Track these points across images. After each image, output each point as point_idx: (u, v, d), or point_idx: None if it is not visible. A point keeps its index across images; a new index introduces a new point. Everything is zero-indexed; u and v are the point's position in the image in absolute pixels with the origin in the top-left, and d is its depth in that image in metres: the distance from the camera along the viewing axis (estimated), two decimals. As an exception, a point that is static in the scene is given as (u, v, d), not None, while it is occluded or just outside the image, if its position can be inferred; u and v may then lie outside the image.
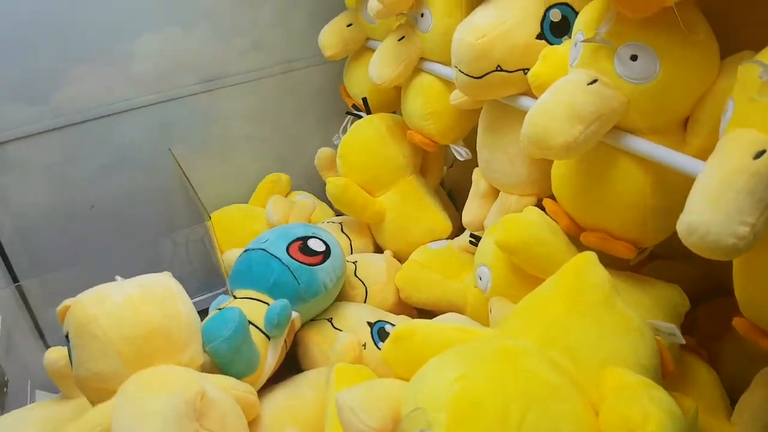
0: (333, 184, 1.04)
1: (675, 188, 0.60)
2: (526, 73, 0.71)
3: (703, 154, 0.54)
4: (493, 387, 0.46)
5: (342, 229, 1.13)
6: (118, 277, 0.70)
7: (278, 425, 0.72)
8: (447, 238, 1.06)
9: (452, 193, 1.25)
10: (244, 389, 0.70)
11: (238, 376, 0.72)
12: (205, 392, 0.60)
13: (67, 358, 0.73)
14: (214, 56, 1.20)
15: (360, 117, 1.13)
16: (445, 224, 1.07)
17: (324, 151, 1.27)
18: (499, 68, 0.71)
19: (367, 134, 1.08)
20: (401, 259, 1.03)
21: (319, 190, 1.34)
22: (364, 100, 1.14)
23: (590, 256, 0.55)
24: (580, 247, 0.69)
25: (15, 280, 1.12)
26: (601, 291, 0.53)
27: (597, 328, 0.52)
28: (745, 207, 0.43)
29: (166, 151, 1.20)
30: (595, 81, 0.57)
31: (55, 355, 0.75)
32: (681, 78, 0.55)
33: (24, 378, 1.08)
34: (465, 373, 0.46)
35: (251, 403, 0.70)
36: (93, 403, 0.64)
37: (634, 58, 0.55)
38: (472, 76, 0.73)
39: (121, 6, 1.08)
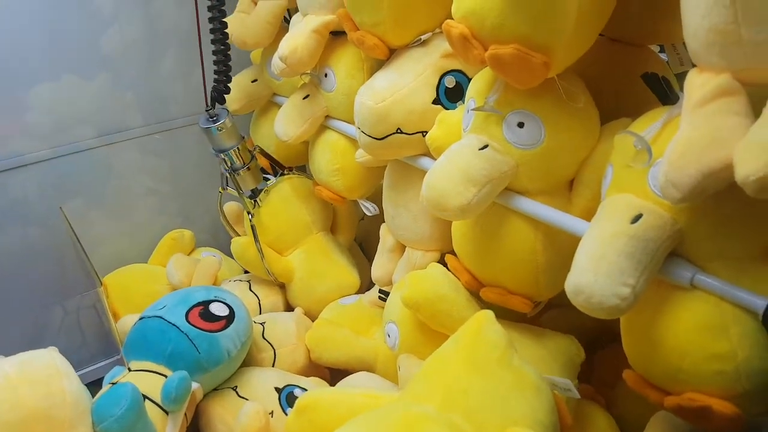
0: (237, 243, 1.02)
1: (564, 246, 0.63)
2: (424, 136, 0.73)
3: (588, 214, 0.58)
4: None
5: (250, 287, 1.10)
6: (-5, 355, 0.64)
7: None
8: (358, 293, 1.06)
9: (363, 246, 1.25)
10: (139, 473, 0.65)
11: (133, 458, 0.66)
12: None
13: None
14: (112, 108, 1.16)
15: (267, 179, 1.12)
16: (353, 280, 1.07)
17: (230, 206, 1.24)
18: (399, 131, 0.73)
19: (273, 197, 1.08)
20: (312, 316, 1.01)
21: (225, 246, 1.30)
22: (271, 161, 1.13)
23: (487, 315, 0.57)
24: (481, 302, 0.71)
25: None
26: (498, 349, 0.54)
27: (495, 388, 0.53)
28: (625, 269, 0.46)
29: (57, 207, 1.13)
30: (486, 146, 0.60)
31: None
32: (564, 144, 0.59)
33: None
34: (368, 445, 0.45)
35: (146, 488, 0.65)
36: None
37: (521, 125, 0.59)
38: (374, 137, 0.75)
39: (17, 52, 1.02)
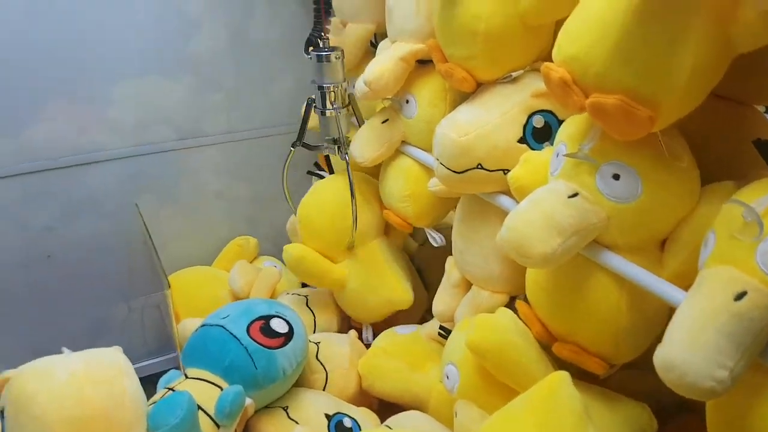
0: (288, 253, 1.00)
1: (650, 309, 0.60)
2: (506, 174, 0.71)
3: (680, 278, 0.54)
4: None
5: (307, 302, 1.10)
6: (65, 349, 0.66)
7: None
8: (409, 312, 1.03)
9: (421, 272, 1.23)
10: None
11: (182, 468, 0.66)
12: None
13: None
14: (193, 110, 1.19)
15: (321, 177, 1.11)
16: (407, 297, 1.02)
17: (296, 218, 1.25)
18: (479, 166, 0.72)
19: (326, 197, 1.04)
20: (362, 322, 0.99)
21: (287, 258, 1.32)
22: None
23: (563, 377, 0.54)
24: (552, 356, 0.67)
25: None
26: (573, 415, 0.51)
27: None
28: (724, 349, 0.43)
29: (132, 203, 1.17)
30: (575, 194, 0.57)
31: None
32: (662, 201, 0.55)
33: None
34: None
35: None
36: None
37: (616, 177, 0.55)
38: (452, 170, 0.73)
39: (106, 47, 1.06)
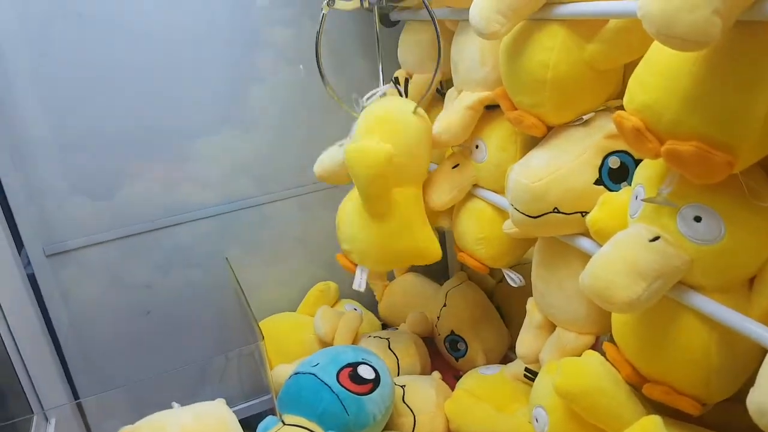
0: (374, 151, 0.87)
1: (741, 349, 0.58)
2: (583, 216, 0.72)
3: (770, 318, 0.53)
4: None
5: (389, 345, 1.12)
6: (174, 404, 0.71)
7: None
8: (498, 362, 1.03)
9: (501, 310, 1.23)
10: None
11: None
12: None
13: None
14: (271, 162, 1.25)
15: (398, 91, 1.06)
16: (437, 251, 0.97)
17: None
18: (556, 210, 0.73)
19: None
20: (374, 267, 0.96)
21: (365, 299, 1.35)
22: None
23: (656, 422, 0.54)
24: (641, 397, 0.66)
25: (72, 388, 1.13)
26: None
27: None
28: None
29: (222, 256, 1.24)
30: (657, 238, 0.58)
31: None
32: (746, 242, 0.54)
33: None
34: None
35: None
36: None
37: (698, 219, 0.55)
38: (528, 215, 0.74)
39: (185, 108, 1.13)
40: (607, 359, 0.68)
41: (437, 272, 1.41)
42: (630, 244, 0.58)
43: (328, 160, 1.00)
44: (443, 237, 1.33)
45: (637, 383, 0.66)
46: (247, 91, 1.19)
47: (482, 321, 1.17)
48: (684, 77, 0.51)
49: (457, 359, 1.18)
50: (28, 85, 1.00)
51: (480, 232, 0.96)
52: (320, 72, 0.99)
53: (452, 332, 1.17)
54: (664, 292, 0.58)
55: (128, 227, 1.15)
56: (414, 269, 1.41)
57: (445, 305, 1.18)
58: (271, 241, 1.30)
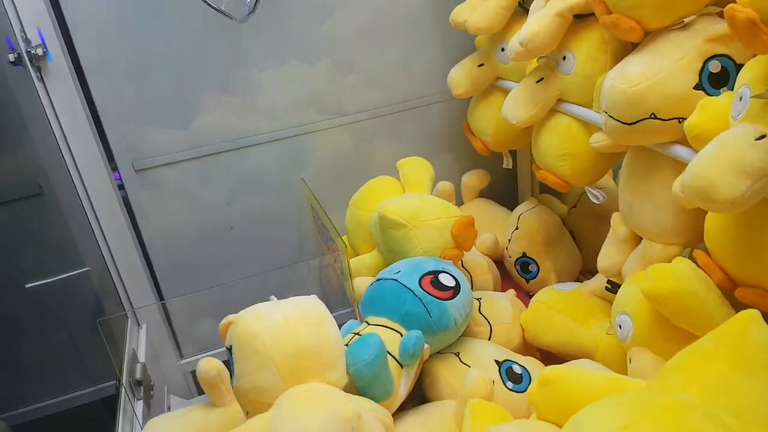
0: None
1: None
2: (681, 122, 0.70)
3: None
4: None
5: (462, 264, 1.15)
6: (272, 297, 0.76)
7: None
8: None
9: (573, 235, 1.23)
10: (383, 413, 0.73)
11: (375, 400, 0.75)
12: (360, 413, 0.63)
13: (218, 368, 0.80)
14: (333, 92, 1.26)
15: None
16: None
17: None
18: (653, 116, 0.71)
19: None
20: None
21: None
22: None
23: (754, 315, 0.54)
24: (733, 303, 0.67)
25: (160, 294, 1.22)
26: (766, 351, 0.51)
27: (764, 390, 0.50)
28: None
29: (295, 178, 1.28)
30: (763, 136, 0.56)
31: (208, 365, 0.81)
32: None
33: (161, 383, 1.18)
34: (630, 423, 0.46)
35: (389, 428, 0.73)
36: (248, 414, 0.69)
37: (810, 115, 0.54)
38: (623, 122, 0.73)
39: (248, 40, 1.16)
40: (698, 266, 0.68)
41: (506, 197, 1.42)
42: (735, 143, 0.57)
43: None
44: (514, 162, 1.32)
45: (728, 288, 0.66)
46: (311, 21, 1.19)
47: (555, 243, 1.18)
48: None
49: (528, 281, 1.20)
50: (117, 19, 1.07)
51: (563, 148, 0.95)
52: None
53: (524, 254, 1.18)
54: (767, 193, 0.57)
55: (209, 146, 1.20)
56: (483, 194, 1.42)
57: (516, 228, 1.19)
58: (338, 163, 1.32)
